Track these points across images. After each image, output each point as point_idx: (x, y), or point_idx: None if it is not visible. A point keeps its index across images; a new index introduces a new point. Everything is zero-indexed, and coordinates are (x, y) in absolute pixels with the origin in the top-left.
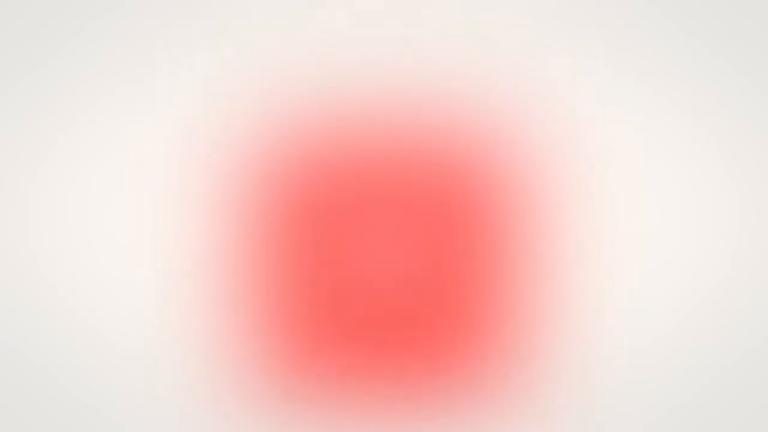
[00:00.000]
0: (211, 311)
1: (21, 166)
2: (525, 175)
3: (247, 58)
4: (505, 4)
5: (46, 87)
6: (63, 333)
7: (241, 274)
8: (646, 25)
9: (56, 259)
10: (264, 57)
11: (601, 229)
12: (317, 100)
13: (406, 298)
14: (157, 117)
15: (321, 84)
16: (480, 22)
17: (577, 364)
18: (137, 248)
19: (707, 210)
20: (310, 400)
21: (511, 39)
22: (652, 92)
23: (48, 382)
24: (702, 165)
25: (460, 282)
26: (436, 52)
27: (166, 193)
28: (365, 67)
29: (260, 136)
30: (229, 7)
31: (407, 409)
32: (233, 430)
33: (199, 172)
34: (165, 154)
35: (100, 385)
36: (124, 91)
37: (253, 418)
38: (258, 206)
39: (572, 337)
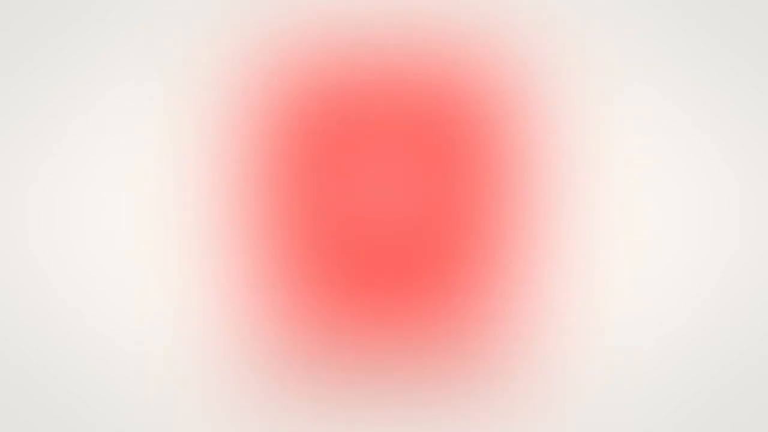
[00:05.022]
0: (210, 299)
1: (21, 166)
2: (529, 129)
3: None
4: None
5: (46, 87)
6: (63, 333)
7: (242, 214)
8: (645, 25)
9: (56, 258)
10: None
11: (601, 229)
12: (316, 30)
13: (410, 238)
14: (159, 114)
15: (319, 12)
16: None
17: (576, 365)
18: (139, 240)
19: (708, 210)
20: (314, 339)
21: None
22: (652, 91)
23: (48, 382)
24: (703, 165)
25: (465, 215)
26: None
27: (169, 188)
28: None
29: (257, 73)
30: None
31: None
32: (237, 392)
33: (196, 118)
34: (166, 152)
35: (99, 384)
36: (124, 90)
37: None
38: (256, 148)
39: (570, 337)
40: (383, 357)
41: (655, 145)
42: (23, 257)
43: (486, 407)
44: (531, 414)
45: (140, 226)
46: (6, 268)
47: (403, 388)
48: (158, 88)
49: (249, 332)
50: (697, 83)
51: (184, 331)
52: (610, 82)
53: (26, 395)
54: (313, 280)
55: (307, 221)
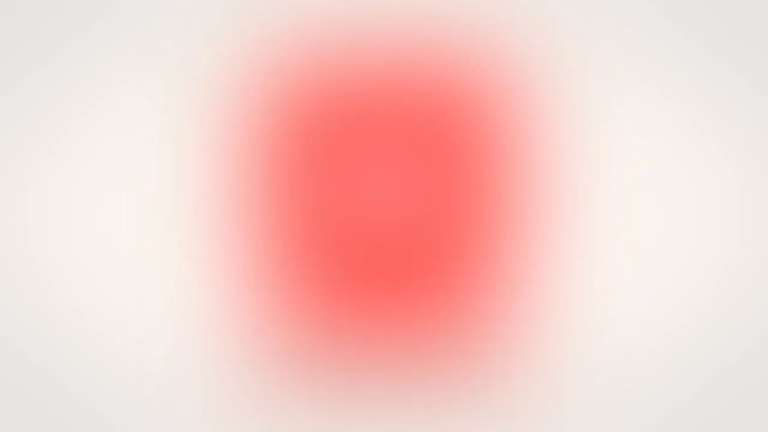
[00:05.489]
0: (208, 272)
1: (21, 166)
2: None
3: None
4: None
5: (46, 87)
6: (63, 333)
7: (242, 214)
8: (645, 25)
9: (56, 258)
10: None
11: (601, 229)
12: (316, 30)
13: (411, 238)
14: (159, 114)
15: (319, 12)
16: None
17: (575, 365)
18: (139, 240)
19: (708, 210)
20: (314, 339)
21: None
22: (652, 91)
23: (48, 382)
24: (703, 165)
25: (465, 214)
26: None
27: (169, 188)
28: None
29: (258, 73)
30: None
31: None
32: (239, 390)
33: (197, 122)
34: (166, 152)
35: (99, 384)
36: (124, 90)
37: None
38: (257, 143)
39: (570, 337)
40: (383, 357)
41: (655, 145)
42: (23, 257)
43: (486, 407)
44: (531, 414)
45: (140, 226)
46: (6, 268)
47: (403, 388)
48: (158, 88)
49: (249, 332)
50: (697, 83)
51: (184, 331)
52: (610, 82)
53: (26, 395)
54: (313, 280)
55: (307, 221)
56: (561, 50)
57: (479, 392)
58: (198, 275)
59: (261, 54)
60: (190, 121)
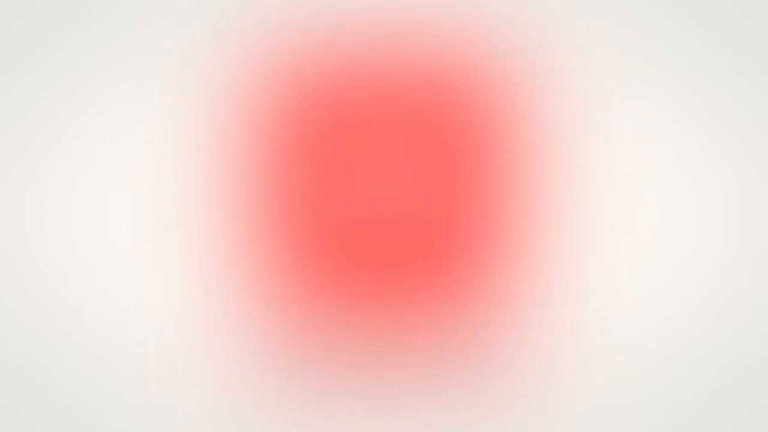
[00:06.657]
0: (209, 256)
1: (21, 166)
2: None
3: None
4: None
5: (46, 87)
6: (63, 333)
7: (242, 213)
8: (645, 25)
9: (56, 258)
10: None
11: (601, 229)
12: (317, 23)
13: (411, 230)
14: (159, 114)
15: (321, 7)
16: None
17: (577, 365)
18: (139, 240)
19: (708, 210)
20: (315, 339)
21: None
22: (652, 91)
23: (48, 382)
24: (703, 165)
25: (465, 213)
26: None
27: (169, 188)
28: None
29: (258, 66)
30: None
31: (411, 349)
32: (240, 381)
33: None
34: (166, 152)
35: (99, 384)
36: (124, 90)
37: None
38: (257, 136)
39: (570, 337)
40: (383, 355)
41: (655, 145)
42: (23, 257)
43: (486, 407)
44: (530, 414)
45: (140, 226)
46: (6, 268)
47: (402, 387)
48: (158, 88)
49: (249, 332)
50: (697, 83)
51: (184, 331)
52: (610, 82)
53: (26, 395)
54: (313, 279)
55: (307, 220)
56: (561, 50)
57: (477, 391)
58: (198, 275)
59: (261, 53)
60: (190, 121)
